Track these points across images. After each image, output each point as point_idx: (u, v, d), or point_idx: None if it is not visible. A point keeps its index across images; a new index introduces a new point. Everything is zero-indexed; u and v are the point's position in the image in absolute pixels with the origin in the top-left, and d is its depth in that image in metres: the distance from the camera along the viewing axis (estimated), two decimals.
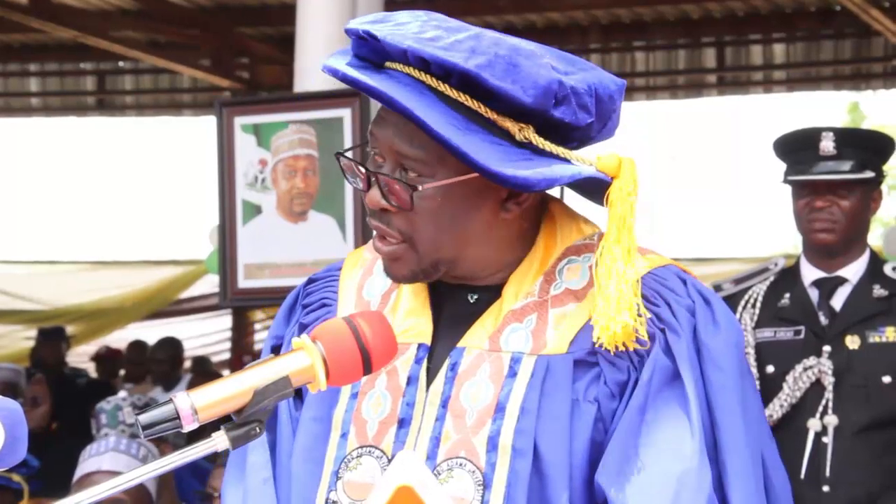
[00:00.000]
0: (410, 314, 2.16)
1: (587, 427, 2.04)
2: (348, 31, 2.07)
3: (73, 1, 9.96)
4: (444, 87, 2.00)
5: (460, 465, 2.05)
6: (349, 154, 2.11)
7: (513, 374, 2.07)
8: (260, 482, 2.21)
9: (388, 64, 2.04)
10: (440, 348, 2.13)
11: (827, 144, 4.31)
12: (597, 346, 2.06)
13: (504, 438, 2.04)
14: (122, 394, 6.67)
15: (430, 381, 2.11)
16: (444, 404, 2.08)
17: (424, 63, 2.00)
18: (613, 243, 2.06)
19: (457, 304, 2.15)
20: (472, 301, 2.14)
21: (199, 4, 10.56)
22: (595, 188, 2.09)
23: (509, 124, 2.02)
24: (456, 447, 2.06)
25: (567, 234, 2.16)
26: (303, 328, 2.25)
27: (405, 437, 2.09)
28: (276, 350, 2.28)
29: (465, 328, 2.12)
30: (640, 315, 2.04)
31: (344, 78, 2.04)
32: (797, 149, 4.40)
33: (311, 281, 2.31)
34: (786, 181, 4.41)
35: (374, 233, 2.12)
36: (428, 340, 2.14)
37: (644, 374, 2.04)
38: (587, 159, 2.07)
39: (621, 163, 2.07)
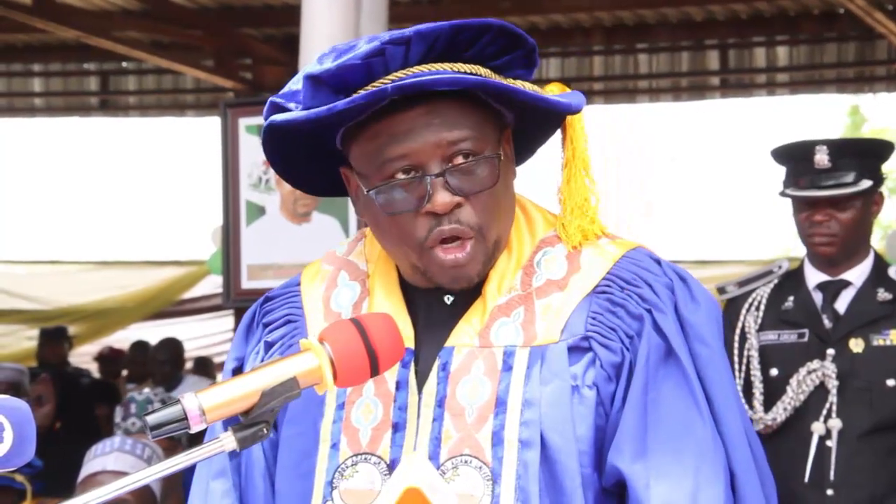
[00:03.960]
0: None
1: (589, 412, 2.06)
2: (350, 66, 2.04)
3: (77, 1, 9.96)
4: (458, 66, 2.08)
5: (466, 462, 2.06)
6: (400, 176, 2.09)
7: (508, 367, 2.08)
8: None
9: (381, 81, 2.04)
10: (424, 351, 2.13)
11: (821, 158, 4.30)
12: (569, 248, 2.14)
13: (509, 432, 2.05)
14: (159, 389, 6.75)
15: (420, 383, 2.12)
16: (441, 404, 2.09)
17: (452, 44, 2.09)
18: (582, 152, 2.17)
19: (432, 307, 2.15)
20: (448, 303, 2.14)
21: (203, 5, 10.56)
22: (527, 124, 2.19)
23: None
24: (459, 445, 2.06)
25: (537, 227, 2.19)
26: (269, 346, 2.23)
27: (402, 441, 2.10)
28: (237, 371, 2.26)
29: (446, 329, 2.13)
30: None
31: (383, 92, 2.02)
32: (792, 160, 4.39)
33: (267, 299, 2.29)
34: (783, 194, 4.40)
35: (438, 249, 2.07)
36: (412, 344, 2.13)
37: (640, 354, 2.07)
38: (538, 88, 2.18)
39: (562, 88, 2.20)
